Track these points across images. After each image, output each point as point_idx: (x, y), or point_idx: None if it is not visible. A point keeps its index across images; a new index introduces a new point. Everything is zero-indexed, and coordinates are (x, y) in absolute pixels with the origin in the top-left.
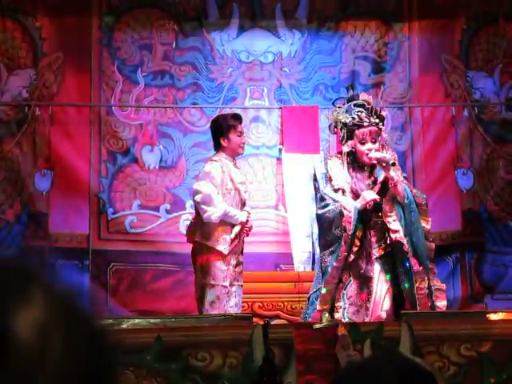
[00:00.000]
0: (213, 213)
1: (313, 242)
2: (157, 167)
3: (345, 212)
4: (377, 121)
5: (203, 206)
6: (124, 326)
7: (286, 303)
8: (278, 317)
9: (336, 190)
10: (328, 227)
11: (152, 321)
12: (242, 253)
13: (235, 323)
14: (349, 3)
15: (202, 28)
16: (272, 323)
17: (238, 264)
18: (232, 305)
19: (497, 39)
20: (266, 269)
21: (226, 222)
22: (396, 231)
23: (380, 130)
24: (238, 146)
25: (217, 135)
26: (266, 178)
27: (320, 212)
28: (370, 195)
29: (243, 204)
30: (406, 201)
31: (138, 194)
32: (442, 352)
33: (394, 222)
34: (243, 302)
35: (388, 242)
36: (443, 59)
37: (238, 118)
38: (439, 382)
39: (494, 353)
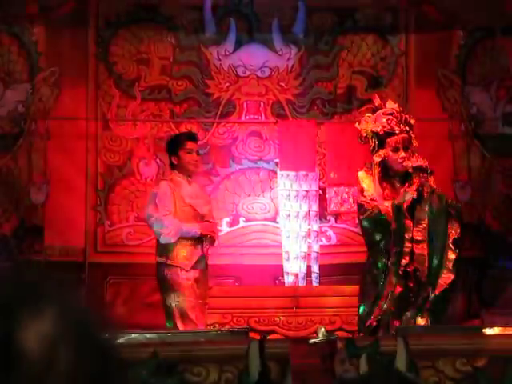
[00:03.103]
0: (167, 233)
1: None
2: (153, 180)
3: (382, 207)
4: (407, 128)
5: (156, 229)
6: (120, 340)
7: (282, 318)
8: (274, 332)
9: (371, 200)
10: (374, 231)
11: (148, 335)
12: (206, 267)
13: (231, 338)
14: (346, 18)
15: (199, 42)
16: (268, 338)
17: (201, 280)
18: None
19: (494, 54)
20: (264, 282)
21: (183, 239)
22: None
23: (411, 137)
24: (189, 163)
25: (169, 154)
26: (263, 191)
27: (362, 217)
28: (409, 194)
29: (201, 217)
30: (437, 209)
31: (135, 207)
32: (438, 367)
33: (420, 233)
34: (239, 316)
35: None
36: (440, 74)
37: (188, 136)
38: None
39: (490, 368)
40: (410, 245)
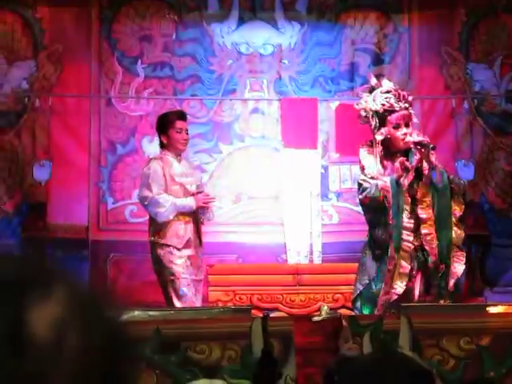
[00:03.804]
0: (164, 211)
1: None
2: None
3: (380, 182)
4: (406, 105)
5: (152, 209)
6: (124, 318)
7: (285, 295)
8: (276, 309)
9: (371, 178)
10: (375, 208)
11: (151, 313)
12: (200, 245)
13: (234, 316)
14: None
15: (201, 19)
16: (271, 316)
17: (195, 258)
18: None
19: (496, 31)
20: (266, 260)
21: (176, 218)
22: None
23: (411, 113)
24: (178, 142)
25: (158, 133)
26: (265, 168)
27: (361, 196)
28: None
29: (191, 195)
30: (440, 185)
31: (138, 184)
32: (442, 345)
33: (424, 211)
34: (242, 294)
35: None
36: (443, 51)
37: (178, 114)
38: (437, 380)
39: (493, 346)
40: (412, 221)
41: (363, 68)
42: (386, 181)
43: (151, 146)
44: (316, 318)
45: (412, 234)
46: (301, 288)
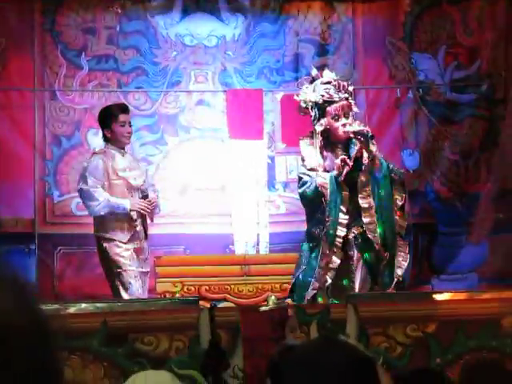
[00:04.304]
0: (95, 206)
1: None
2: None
3: (319, 179)
4: (346, 95)
5: (85, 202)
6: (70, 310)
7: (232, 286)
8: (224, 300)
9: (310, 170)
10: (312, 204)
11: (98, 305)
12: (145, 238)
13: (181, 307)
14: None
15: (145, 11)
16: (218, 306)
17: (141, 250)
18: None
19: (440, 21)
20: (214, 250)
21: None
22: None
23: (351, 104)
24: (122, 135)
25: (102, 127)
26: (212, 160)
27: (300, 191)
28: (339, 158)
29: (135, 189)
30: (380, 174)
31: None
32: (389, 333)
33: (365, 200)
34: (190, 285)
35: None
36: (387, 41)
37: (120, 108)
38: (378, 365)
39: (439, 333)
40: (346, 217)
41: (308, 59)
42: (324, 177)
43: (96, 138)
44: (263, 308)
45: (344, 229)
46: (249, 278)
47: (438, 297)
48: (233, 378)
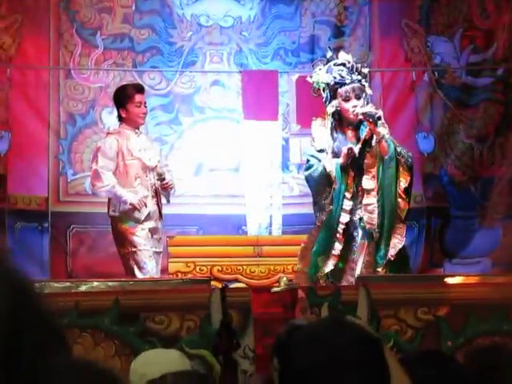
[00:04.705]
0: (100, 187)
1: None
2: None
3: (327, 166)
4: (359, 77)
5: (91, 180)
6: (82, 288)
7: (245, 267)
8: (236, 280)
9: (319, 151)
10: (316, 188)
11: (110, 284)
12: (160, 218)
13: (193, 287)
14: None
15: None
16: (230, 287)
17: (156, 230)
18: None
19: (457, 4)
20: (228, 231)
21: (137, 195)
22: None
23: (363, 86)
24: (137, 116)
25: (117, 106)
26: (226, 140)
27: (306, 173)
28: (346, 147)
29: (150, 170)
30: (386, 157)
31: None
32: (400, 316)
33: (369, 181)
34: (202, 265)
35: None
36: (403, 24)
37: (136, 88)
38: (385, 347)
39: (451, 316)
40: (350, 203)
41: (323, 41)
42: (332, 164)
43: (111, 117)
44: (275, 289)
45: (348, 216)
46: (261, 259)
47: (449, 280)
48: (243, 359)
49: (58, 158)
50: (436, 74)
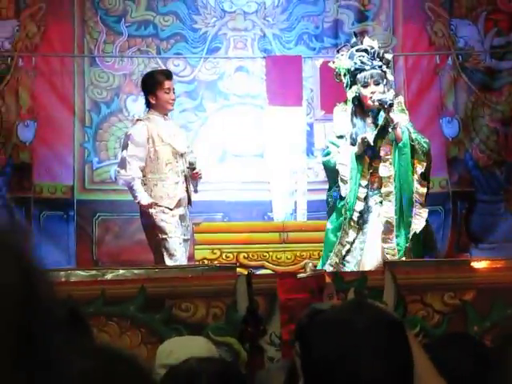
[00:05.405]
0: (121, 175)
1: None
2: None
3: (342, 152)
4: (379, 63)
5: (117, 167)
6: (108, 276)
7: (271, 253)
8: (263, 267)
9: (339, 137)
10: (331, 175)
11: (136, 271)
12: (189, 204)
13: (219, 273)
14: None
15: None
16: (256, 273)
17: (184, 217)
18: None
19: None
20: (253, 218)
21: (168, 181)
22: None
23: (384, 72)
24: (167, 102)
25: (145, 93)
26: (250, 126)
27: (323, 160)
28: (360, 136)
29: (180, 155)
30: (400, 143)
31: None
32: (426, 301)
33: (386, 168)
34: (228, 252)
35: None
36: (427, 7)
37: (165, 74)
38: (408, 331)
39: (477, 301)
40: (365, 190)
41: (347, 25)
42: (347, 153)
43: (136, 105)
44: (301, 275)
45: (362, 204)
46: (287, 246)
47: (476, 264)
48: (270, 345)
49: (83, 146)
50: (460, 57)
